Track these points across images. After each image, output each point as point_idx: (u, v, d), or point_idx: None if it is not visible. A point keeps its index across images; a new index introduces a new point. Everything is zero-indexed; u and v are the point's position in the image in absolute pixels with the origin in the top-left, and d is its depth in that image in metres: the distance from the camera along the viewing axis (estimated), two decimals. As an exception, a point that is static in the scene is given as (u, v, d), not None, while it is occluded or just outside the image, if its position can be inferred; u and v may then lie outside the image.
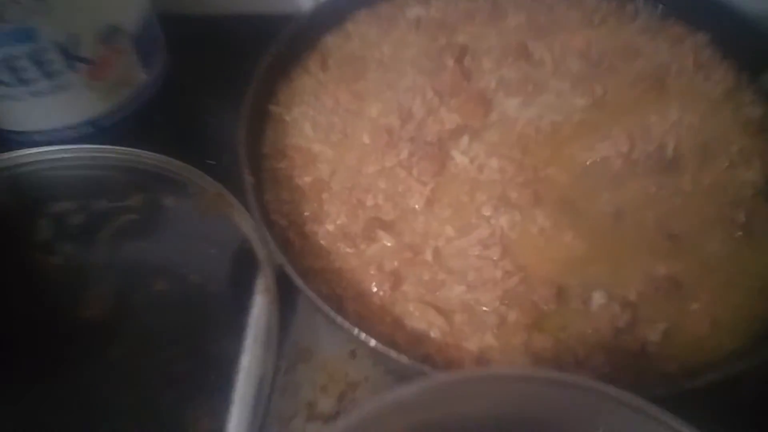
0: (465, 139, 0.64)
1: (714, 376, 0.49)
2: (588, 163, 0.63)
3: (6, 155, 0.71)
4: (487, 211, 0.59)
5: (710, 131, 0.65)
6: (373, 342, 0.49)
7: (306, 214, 0.60)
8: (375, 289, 0.56)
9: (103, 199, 0.68)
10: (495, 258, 0.57)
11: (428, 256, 0.57)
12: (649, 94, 0.68)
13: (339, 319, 0.50)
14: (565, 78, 0.69)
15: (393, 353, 0.48)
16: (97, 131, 0.74)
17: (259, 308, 0.59)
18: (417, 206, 0.60)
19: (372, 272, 0.56)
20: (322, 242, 0.58)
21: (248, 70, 0.66)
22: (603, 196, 0.61)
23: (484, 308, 0.55)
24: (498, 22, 0.74)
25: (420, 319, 0.54)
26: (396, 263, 0.57)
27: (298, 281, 0.52)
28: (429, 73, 0.69)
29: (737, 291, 0.56)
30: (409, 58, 0.71)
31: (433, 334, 0.54)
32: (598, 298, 0.55)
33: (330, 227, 0.59)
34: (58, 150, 0.72)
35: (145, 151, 0.70)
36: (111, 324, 0.58)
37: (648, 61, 0.71)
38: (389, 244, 0.58)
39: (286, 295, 0.60)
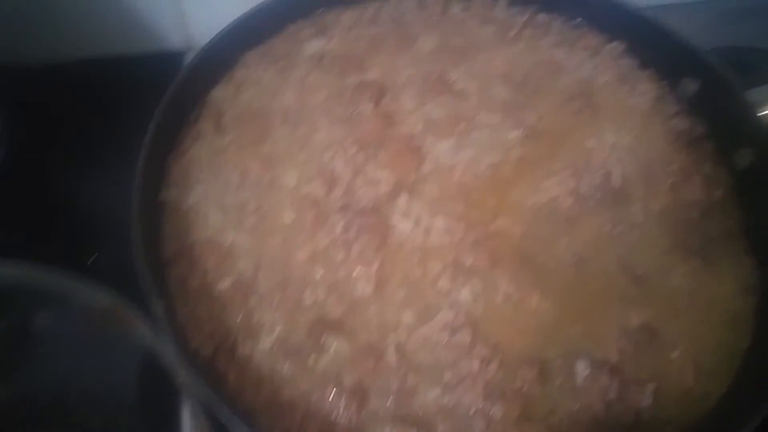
0: (403, 199, 0.55)
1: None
2: (538, 206, 0.57)
3: None
4: (444, 285, 0.52)
5: (647, 150, 0.62)
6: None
7: (234, 331, 0.49)
8: (338, 416, 0.46)
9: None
10: (467, 344, 0.49)
11: (391, 356, 0.48)
12: (581, 115, 0.63)
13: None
14: (494, 108, 0.62)
15: None
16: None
17: (192, 452, 0.46)
18: (366, 293, 0.51)
19: (330, 393, 0.47)
20: (260, 367, 0.48)
21: (119, 129, 0.53)
22: (561, 243, 0.56)
23: (468, 410, 0.47)
24: (409, 49, 0.65)
25: (399, 442, 0.45)
26: (357, 375, 0.47)
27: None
28: (346, 122, 0.59)
29: (710, 328, 0.53)
30: (318, 104, 0.60)
31: (418, 456, 0.45)
32: (581, 369, 0.50)
33: (266, 343, 0.48)
34: None
35: (-6, 258, 0.53)
36: None
37: (571, 77, 0.66)
38: (343, 351, 0.48)
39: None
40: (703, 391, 0.51)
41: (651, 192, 0.59)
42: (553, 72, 0.66)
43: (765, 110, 0.62)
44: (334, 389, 0.47)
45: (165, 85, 0.72)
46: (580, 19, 0.71)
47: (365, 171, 0.56)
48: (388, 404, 0.47)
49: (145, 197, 0.49)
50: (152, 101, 0.59)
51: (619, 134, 0.62)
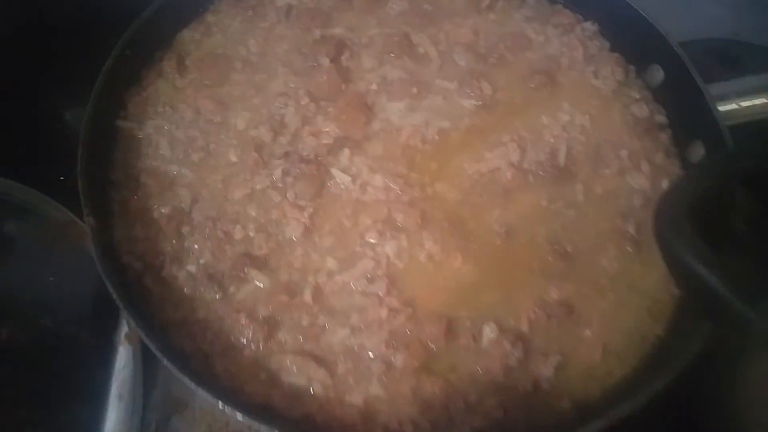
0: (345, 154, 0.58)
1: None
2: (478, 175, 0.58)
3: None
4: (372, 238, 0.54)
5: (601, 133, 0.62)
6: (240, 416, 0.43)
7: (164, 253, 0.52)
8: (246, 341, 0.49)
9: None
10: (381, 293, 0.52)
11: (307, 296, 0.51)
12: (541, 91, 0.64)
13: (200, 390, 0.44)
14: (452, 76, 0.63)
15: (264, 428, 0.42)
16: None
17: (123, 358, 0.51)
18: (294, 236, 0.54)
19: (242, 321, 0.50)
20: (183, 287, 0.51)
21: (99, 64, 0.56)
22: (493, 214, 0.57)
23: (370, 354, 0.50)
24: (378, 10, 0.67)
25: (298, 373, 0.49)
26: (270, 308, 0.51)
27: (153, 345, 0.45)
28: (303, 74, 0.61)
29: (627, 312, 0.55)
30: (279, 55, 0.62)
31: (314, 389, 0.49)
32: (488, 333, 0.52)
33: (192, 268, 0.52)
34: None
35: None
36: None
37: (537, 53, 0.67)
38: (262, 285, 0.52)
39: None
40: (607, 371, 0.52)
41: (596, 174, 0.60)
42: (519, 46, 0.67)
43: (725, 105, 0.61)
44: (247, 318, 0.50)
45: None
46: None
47: (313, 122, 0.58)
48: (295, 338, 0.50)
49: (97, 123, 0.53)
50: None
51: (575, 114, 0.63)
